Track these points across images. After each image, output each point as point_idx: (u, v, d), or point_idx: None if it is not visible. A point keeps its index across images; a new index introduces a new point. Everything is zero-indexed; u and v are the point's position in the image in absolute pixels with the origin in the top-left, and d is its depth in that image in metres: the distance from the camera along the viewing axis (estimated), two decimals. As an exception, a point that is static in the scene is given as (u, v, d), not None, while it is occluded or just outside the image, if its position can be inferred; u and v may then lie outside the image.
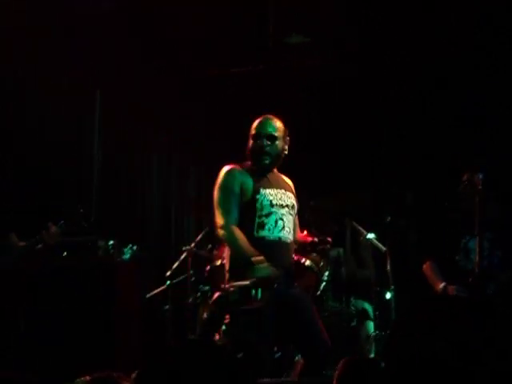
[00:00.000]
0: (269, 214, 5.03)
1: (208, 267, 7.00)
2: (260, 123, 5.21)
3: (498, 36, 7.38)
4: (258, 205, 5.03)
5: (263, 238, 5.02)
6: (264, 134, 5.13)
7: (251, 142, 5.18)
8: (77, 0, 7.27)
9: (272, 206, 5.05)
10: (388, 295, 6.52)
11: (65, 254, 6.28)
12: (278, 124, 5.21)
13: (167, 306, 7.29)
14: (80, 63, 7.72)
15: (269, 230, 5.01)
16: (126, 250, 6.54)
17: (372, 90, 8.01)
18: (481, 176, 5.42)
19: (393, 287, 6.51)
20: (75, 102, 7.86)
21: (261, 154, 5.11)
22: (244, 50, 8.19)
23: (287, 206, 5.12)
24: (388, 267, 6.47)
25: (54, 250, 6.12)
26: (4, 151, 7.21)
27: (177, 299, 7.42)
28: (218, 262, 6.96)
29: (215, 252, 7.25)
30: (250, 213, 5.03)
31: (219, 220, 5.02)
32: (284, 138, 5.20)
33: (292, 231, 5.13)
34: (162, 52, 8.20)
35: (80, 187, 7.98)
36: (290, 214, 5.13)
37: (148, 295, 7.40)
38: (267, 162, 5.13)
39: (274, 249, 4.99)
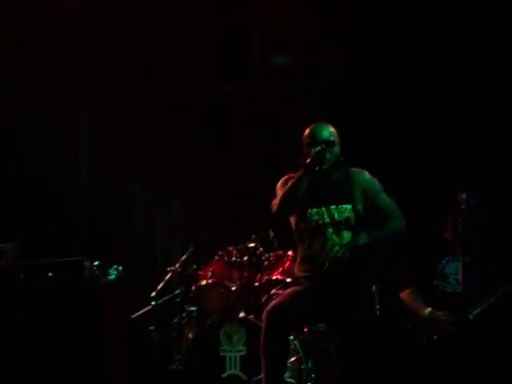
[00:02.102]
0: None
1: (193, 287, 7.02)
2: (314, 130, 5.12)
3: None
4: None
5: None
6: (321, 140, 5.04)
7: (307, 149, 5.07)
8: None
9: None
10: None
11: (50, 274, 6.27)
12: (332, 129, 5.14)
13: (153, 327, 7.27)
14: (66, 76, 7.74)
15: None
16: (111, 270, 6.53)
17: (359, 111, 8.03)
18: (464, 195, 5.42)
19: (378, 307, 6.53)
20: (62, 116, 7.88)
21: (321, 160, 4.99)
22: (227, 71, 8.24)
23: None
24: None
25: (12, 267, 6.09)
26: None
27: (162, 319, 7.42)
28: (203, 282, 6.99)
29: (200, 272, 7.27)
30: None
31: None
32: (339, 143, 5.13)
33: None
34: (145, 72, 8.25)
35: (65, 207, 7.95)
36: None
37: (133, 316, 7.37)
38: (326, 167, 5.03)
39: None
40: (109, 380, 5.98)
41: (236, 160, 8.70)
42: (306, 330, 6.40)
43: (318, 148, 4.93)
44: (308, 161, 4.93)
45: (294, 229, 5.23)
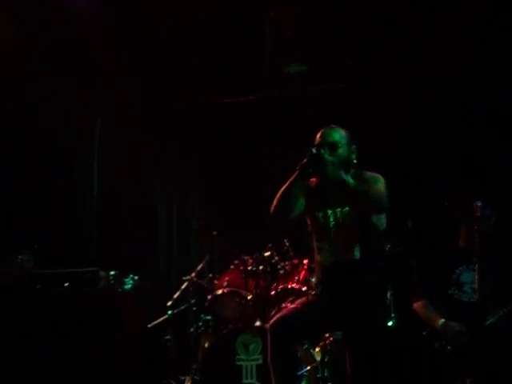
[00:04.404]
0: None
1: (209, 296, 7.03)
2: (321, 133, 5.13)
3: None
4: None
5: None
6: (325, 143, 5.04)
7: None
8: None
9: None
10: (389, 323, 6.51)
11: (66, 284, 6.29)
12: (341, 132, 5.13)
13: (169, 336, 7.28)
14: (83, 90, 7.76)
15: None
16: (127, 280, 6.55)
17: (374, 116, 8.02)
18: (479, 203, 5.40)
19: (393, 315, 6.52)
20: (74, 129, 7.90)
21: (315, 162, 4.92)
22: (241, 80, 8.26)
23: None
24: (388, 296, 6.42)
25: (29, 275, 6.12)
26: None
27: (178, 329, 7.43)
28: (219, 292, 7.00)
29: (216, 281, 7.28)
30: None
31: None
32: (348, 145, 5.11)
33: None
34: (160, 82, 8.27)
35: (80, 218, 7.98)
36: None
37: (149, 325, 7.38)
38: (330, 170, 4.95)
39: None
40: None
41: (253, 169, 8.69)
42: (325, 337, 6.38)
43: (313, 150, 4.91)
44: (303, 161, 4.92)
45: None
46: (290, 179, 5.00)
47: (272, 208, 5.09)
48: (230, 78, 8.29)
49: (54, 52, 7.44)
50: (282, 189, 5.04)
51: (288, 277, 6.93)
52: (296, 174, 4.97)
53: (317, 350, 6.30)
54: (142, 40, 7.80)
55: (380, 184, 5.03)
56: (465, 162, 7.66)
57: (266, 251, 6.90)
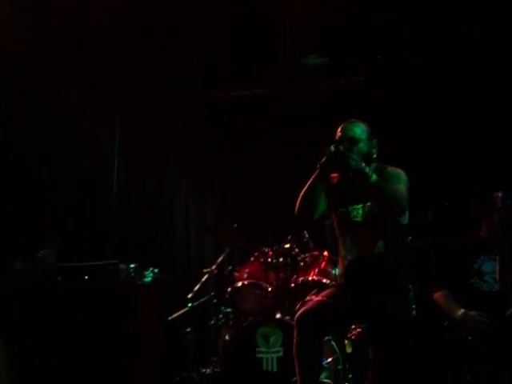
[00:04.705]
0: None
1: (229, 289, 7.04)
2: (342, 128, 5.10)
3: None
4: None
5: None
6: (345, 138, 5.02)
7: None
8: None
9: None
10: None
11: (86, 277, 6.31)
12: (362, 126, 5.10)
13: (189, 329, 7.29)
14: (100, 89, 7.79)
15: None
16: (147, 273, 6.56)
17: (394, 110, 8.00)
18: (500, 194, 5.38)
19: (414, 306, 6.49)
20: (96, 127, 7.93)
21: (335, 159, 4.88)
22: (262, 72, 8.25)
23: None
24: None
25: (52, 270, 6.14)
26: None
27: (199, 321, 7.44)
28: (239, 284, 7.00)
29: (236, 273, 7.28)
30: None
31: None
32: (369, 140, 5.09)
33: None
34: (178, 77, 8.28)
35: (100, 211, 8.01)
36: None
37: (170, 318, 7.40)
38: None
39: None
40: (145, 382, 6.01)
41: (272, 162, 8.70)
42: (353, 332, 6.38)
43: (331, 148, 4.88)
44: (322, 160, 4.91)
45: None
46: (311, 179, 4.98)
47: (296, 209, 5.07)
48: (249, 71, 8.30)
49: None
50: (305, 189, 5.02)
51: (308, 269, 6.92)
52: (317, 173, 4.96)
53: (346, 342, 6.29)
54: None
55: (401, 182, 5.00)
56: (487, 151, 7.63)
57: (286, 243, 6.91)
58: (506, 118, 7.51)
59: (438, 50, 7.74)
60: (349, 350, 6.28)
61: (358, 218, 5.05)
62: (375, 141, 5.14)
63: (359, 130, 5.08)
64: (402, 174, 5.07)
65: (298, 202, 5.05)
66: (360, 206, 5.05)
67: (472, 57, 7.64)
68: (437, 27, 7.58)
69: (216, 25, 7.77)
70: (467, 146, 7.74)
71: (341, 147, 4.87)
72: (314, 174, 4.97)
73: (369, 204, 5.01)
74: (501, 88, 7.55)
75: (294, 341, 4.92)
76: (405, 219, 5.07)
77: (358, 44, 7.95)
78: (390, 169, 5.10)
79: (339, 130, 5.11)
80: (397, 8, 7.55)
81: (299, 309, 5.58)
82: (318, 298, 5.15)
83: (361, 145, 5.03)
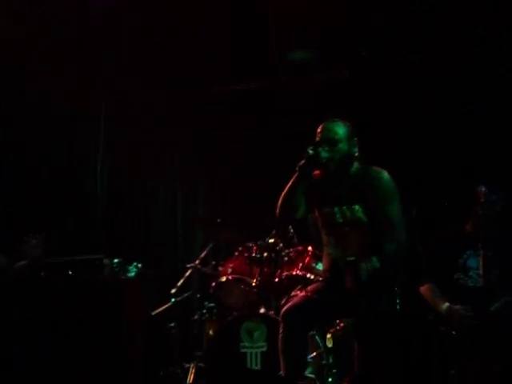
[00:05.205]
0: None
1: (213, 283, 7.02)
2: (322, 128, 5.07)
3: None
4: None
5: None
6: (325, 139, 4.98)
7: None
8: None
9: None
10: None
11: (70, 272, 6.28)
12: (342, 126, 5.07)
13: (173, 324, 7.26)
14: (87, 77, 7.77)
15: None
16: (130, 267, 6.54)
17: (380, 106, 8.00)
18: (483, 189, 5.38)
19: (398, 300, 6.50)
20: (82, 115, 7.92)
21: (314, 161, 4.93)
22: (247, 67, 8.24)
23: None
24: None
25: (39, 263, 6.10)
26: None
27: (182, 316, 7.42)
28: (224, 279, 6.99)
29: (220, 268, 7.27)
30: None
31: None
32: (349, 139, 5.05)
33: None
34: (165, 71, 8.26)
35: (84, 205, 7.98)
36: None
37: (153, 312, 7.38)
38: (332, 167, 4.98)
39: None
40: (129, 378, 5.99)
41: (255, 156, 8.69)
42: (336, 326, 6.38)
43: (309, 151, 4.87)
44: (301, 163, 4.91)
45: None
46: (291, 181, 4.98)
47: (277, 212, 5.07)
48: (234, 66, 8.27)
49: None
50: (285, 192, 5.02)
51: (292, 264, 6.92)
52: (296, 175, 4.95)
53: (328, 336, 6.30)
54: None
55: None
56: (475, 145, 7.64)
57: (270, 238, 6.89)
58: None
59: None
60: (329, 344, 6.28)
61: (343, 220, 5.05)
62: (356, 139, 5.12)
63: (339, 129, 5.05)
64: (384, 173, 5.06)
65: (279, 204, 5.05)
66: (345, 207, 5.05)
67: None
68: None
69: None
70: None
71: (319, 149, 4.87)
72: (294, 177, 4.98)
73: (354, 206, 5.02)
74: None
75: (280, 336, 4.94)
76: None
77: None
78: (373, 169, 5.09)
79: (319, 130, 5.09)
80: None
81: (284, 304, 5.60)
82: (303, 293, 5.17)
83: (341, 145, 5.00)
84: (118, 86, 8.11)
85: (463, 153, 7.67)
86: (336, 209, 5.06)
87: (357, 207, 5.01)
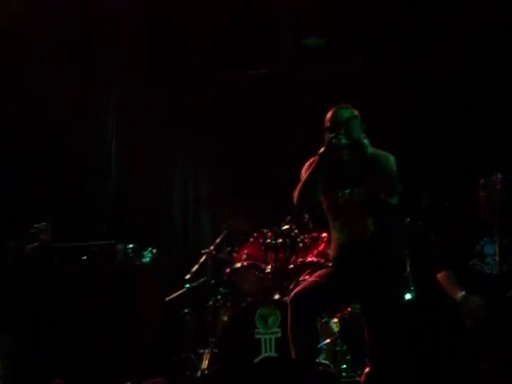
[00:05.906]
0: None
1: (228, 270, 7.01)
2: (333, 113, 5.07)
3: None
4: None
5: None
6: (340, 123, 4.96)
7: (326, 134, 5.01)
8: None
9: None
10: (408, 296, 6.46)
11: (83, 257, 6.29)
12: (351, 110, 5.08)
13: (187, 310, 7.26)
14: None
15: None
16: (145, 253, 6.55)
17: (387, 92, 7.98)
18: (499, 176, 5.35)
19: (412, 288, 6.47)
20: (92, 107, 7.92)
21: (334, 148, 4.92)
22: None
23: None
24: (408, 269, 6.38)
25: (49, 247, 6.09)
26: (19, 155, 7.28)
27: (197, 302, 7.42)
28: (238, 265, 6.98)
29: (234, 254, 7.26)
30: None
31: None
32: (360, 123, 5.05)
33: None
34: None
35: (98, 191, 7.99)
36: None
37: (167, 298, 7.38)
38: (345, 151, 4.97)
39: None
40: (142, 363, 6.00)
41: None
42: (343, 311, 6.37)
43: (331, 136, 4.88)
44: (322, 150, 4.90)
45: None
46: (312, 169, 4.97)
47: (296, 199, 5.05)
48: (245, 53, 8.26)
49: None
50: (305, 179, 5.01)
51: (307, 250, 6.90)
52: (317, 162, 4.94)
53: (334, 320, 6.29)
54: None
55: (391, 161, 5.01)
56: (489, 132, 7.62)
57: (285, 224, 6.87)
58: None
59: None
60: (336, 328, 6.29)
61: (348, 202, 5.04)
62: (364, 126, 5.10)
63: (350, 114, 5.05)
64: (391, 156, 5.07)
65: (298, 193, 5.04)
66: (348, 190, 5.05)
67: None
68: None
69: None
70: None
71: (340, 136, 4.88)
72: (314, 165, 4.96)
73: (357, 188, 5.01)
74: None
75: (289, 322, 4.92)
76: (394, 200, 5.05)
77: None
78: (380, 151, 5.08)
79: (329, 116, 5.09)
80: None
81: (293, 289, 5.58)
82: (312, 278, 5.16)
83: (354, 130, 4.98)
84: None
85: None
86: (340, 193, 5.06)
87: (360, 190, 5.02)
